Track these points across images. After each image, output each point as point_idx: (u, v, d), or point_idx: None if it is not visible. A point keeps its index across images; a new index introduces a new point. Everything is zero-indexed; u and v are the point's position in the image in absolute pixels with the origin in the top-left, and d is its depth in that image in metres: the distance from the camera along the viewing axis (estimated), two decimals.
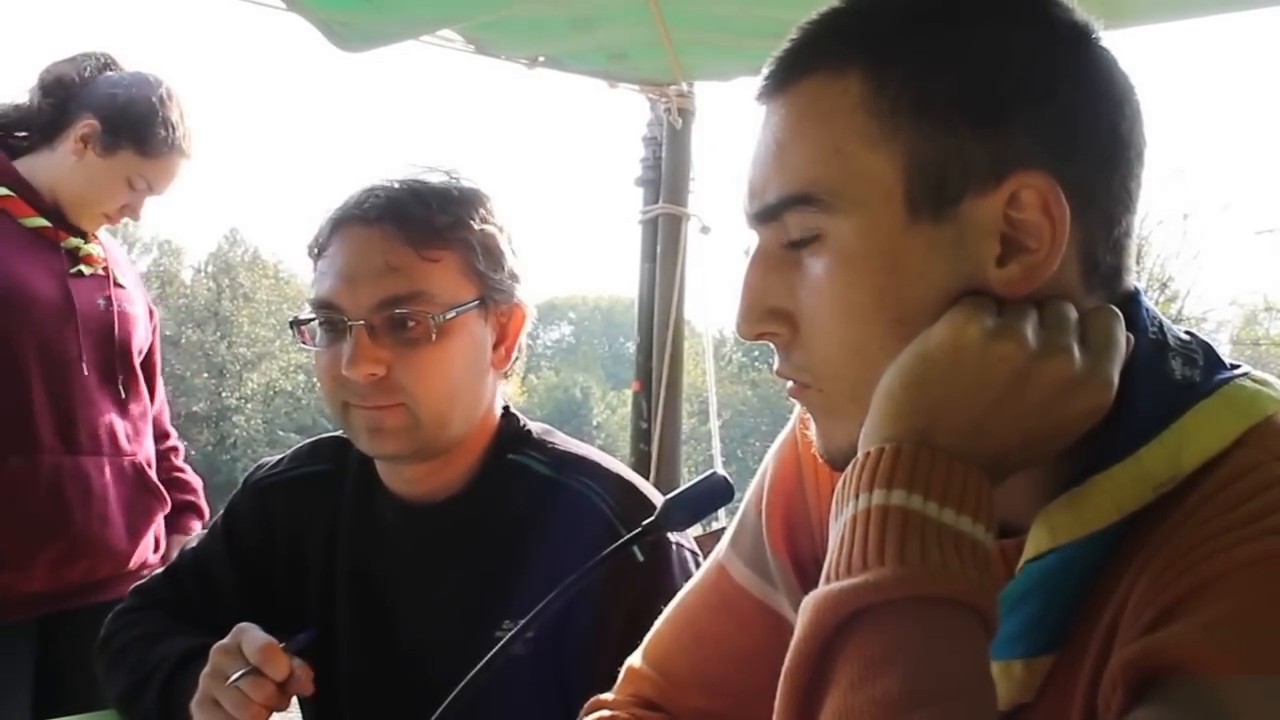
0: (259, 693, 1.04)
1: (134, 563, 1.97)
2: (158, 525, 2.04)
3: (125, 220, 2.00)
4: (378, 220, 1.12)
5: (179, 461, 2.18)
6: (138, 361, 1.99)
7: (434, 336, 1.10)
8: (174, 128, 1.89)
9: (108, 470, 1.91)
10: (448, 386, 1.13)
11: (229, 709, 1.05)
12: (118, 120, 1.85)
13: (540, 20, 2.35)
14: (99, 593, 1.91)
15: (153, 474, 2.02)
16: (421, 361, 1.11)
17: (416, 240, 1.11)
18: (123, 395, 1.95)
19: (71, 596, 1.89)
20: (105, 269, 1.95)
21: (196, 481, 2.20)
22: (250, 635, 1.07)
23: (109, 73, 1.91)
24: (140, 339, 2.00)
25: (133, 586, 1.39)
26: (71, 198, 1.88)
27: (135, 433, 1.99)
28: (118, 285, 1.97)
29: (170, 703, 1.16)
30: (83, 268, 1.91)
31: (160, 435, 2.14)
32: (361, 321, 1.10)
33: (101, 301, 1.92)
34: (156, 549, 2.05)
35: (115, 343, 1.93)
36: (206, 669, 1.08)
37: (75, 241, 1.90)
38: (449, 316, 1.11)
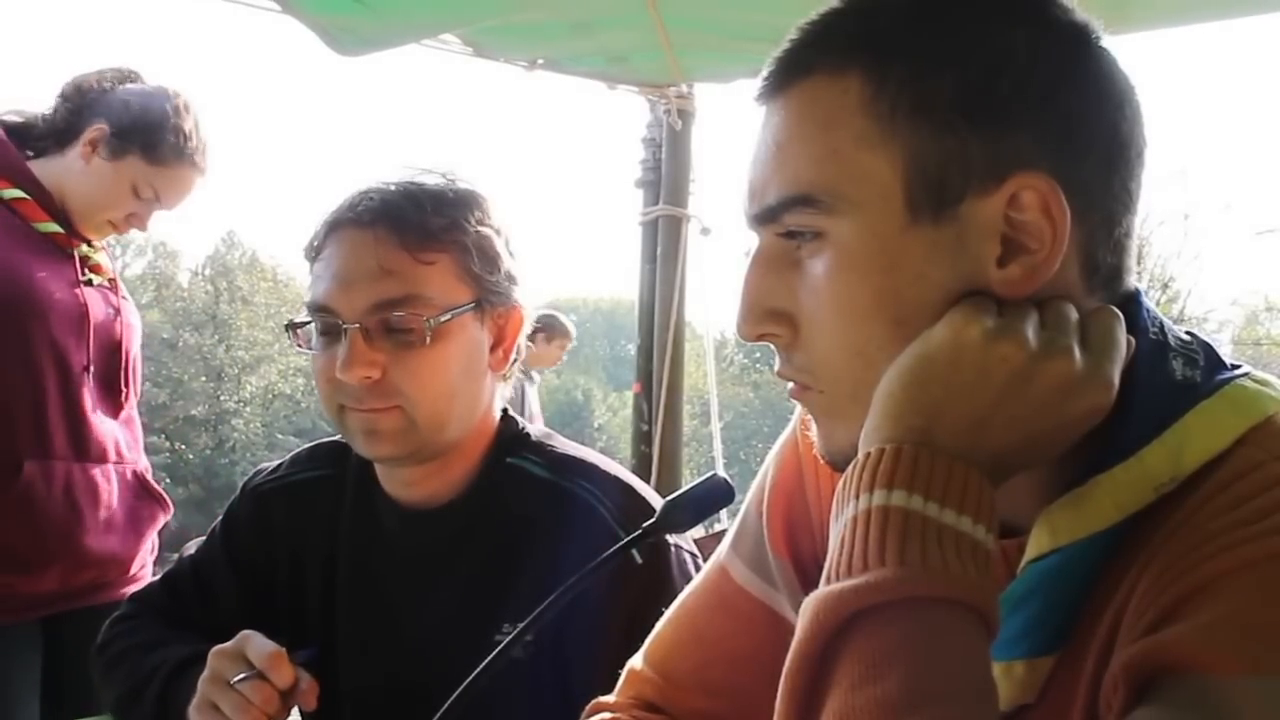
0: (259, 696, 1.04)
1: (135, 566, 1.99)
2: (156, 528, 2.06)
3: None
4: (371, 223, 1.12)
5: None
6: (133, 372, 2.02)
7: (428, 339, 1.10)
8: (184, 137, 1.88)
9: (114, 478, 1.92)
10: (444, 389, 1.13)
11: (228, 712, 1.04)
12: (127, 126, 1.85)
13: (539, 24, 2.35)
14: (102, 593, 1.92)
15: (151, 479, 2.03)
16: (417, 364, 1.11)
17: (411, 243, 1.11)
18: (123, 404, 1.96)
19: (76, 598, 1.90)
20: (111, 279, 1.95)
21: None
22: (256, 641, 1.07)
23: (129, 84, 1.92)
24: (136, 351, 2.02)
25: (130, 594, 1.39)
26: (78, 203, 1.88)
27: (134, 441, 2.00)
28: (122, 294, 1.98)
29: (168, 708, 1.15)
30: (92, 276, 1.91)
31: None
32: (356, 325, 1.10)
33: (110, 311, 1.93)
34: (153, 550, 2.06)
35: (121, 353, 1.94)
36: (205, 673, 1.07)
37: (85, 250, 1.90)
38: (443, 319, 1.11)
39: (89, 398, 1.88)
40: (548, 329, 5.72)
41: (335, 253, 1.13)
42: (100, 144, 1.85)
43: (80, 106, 1.88)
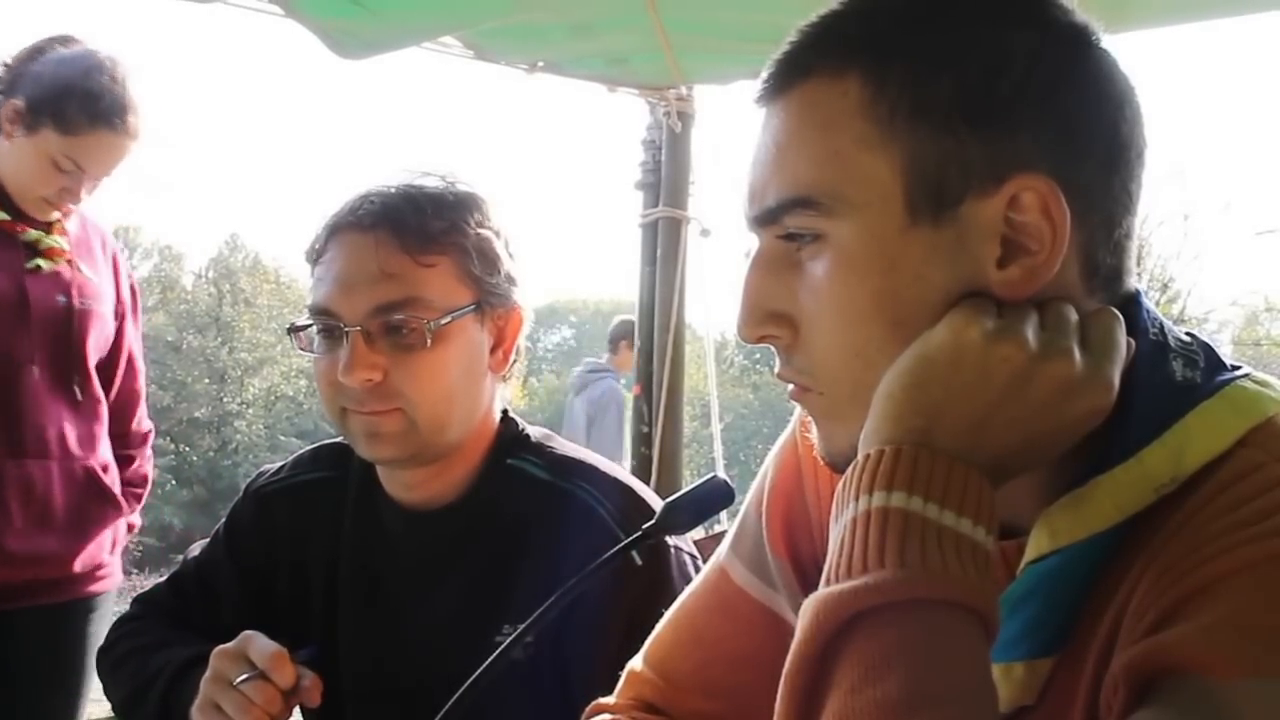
0: (262, 696, 1.04)
1: (81, 566, 1.90)
2: (115, 529, 1.97)
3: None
4: (372, 227, 1.12)
5: (126, 472, 2.05)
6: (92, 360, 1.89)
7: (429, 342, 1.11)
8: (95, 100, 1.75)
9: (55, 474, 1.84)
10: (444, 391, 1.13)
11: (230, 713, 1.04)
12: (38, 97, 1.76)
13: (540, 26, 2.35)
14: (46, 594, 1.85)
15: (108, 478, 1.94)
16: (417, 367, 1.11)
17: (411, 246, 1.11)
18: (78, 397, 1.86)
19: (18, 597, 1.82)
20: (70, 261, 1.85)
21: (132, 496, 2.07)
22: (258, 642, 1.07)
23: (53, 52, 1.81)
24: (100, 337, 1.90)
25: (136, 595, 1.39)
26: (10, 184, 1.80)
27: (89, 436, 1.90)
28: (83, 280, 1.86)
29: (171, 709, 1.16)
30: (41, 262, 1.82)
31: (121, 437, 2.02)
32: (357, 328, 1.10)
33: (61, 299, 1.83)
34: (112, 551, 1.98)
35: (72, 343, 1.84)
36: (207, 673, 1.07)
37: (35, 234, 1.82)
38: (444, 322, 1.12)
39: (32, 391, 1.79)
40: (631, 336, 5.80)
41: (336, 256, 1.13)
42: (17, 120, 1.76)
43: (8, 83, 1.79)
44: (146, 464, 2.13)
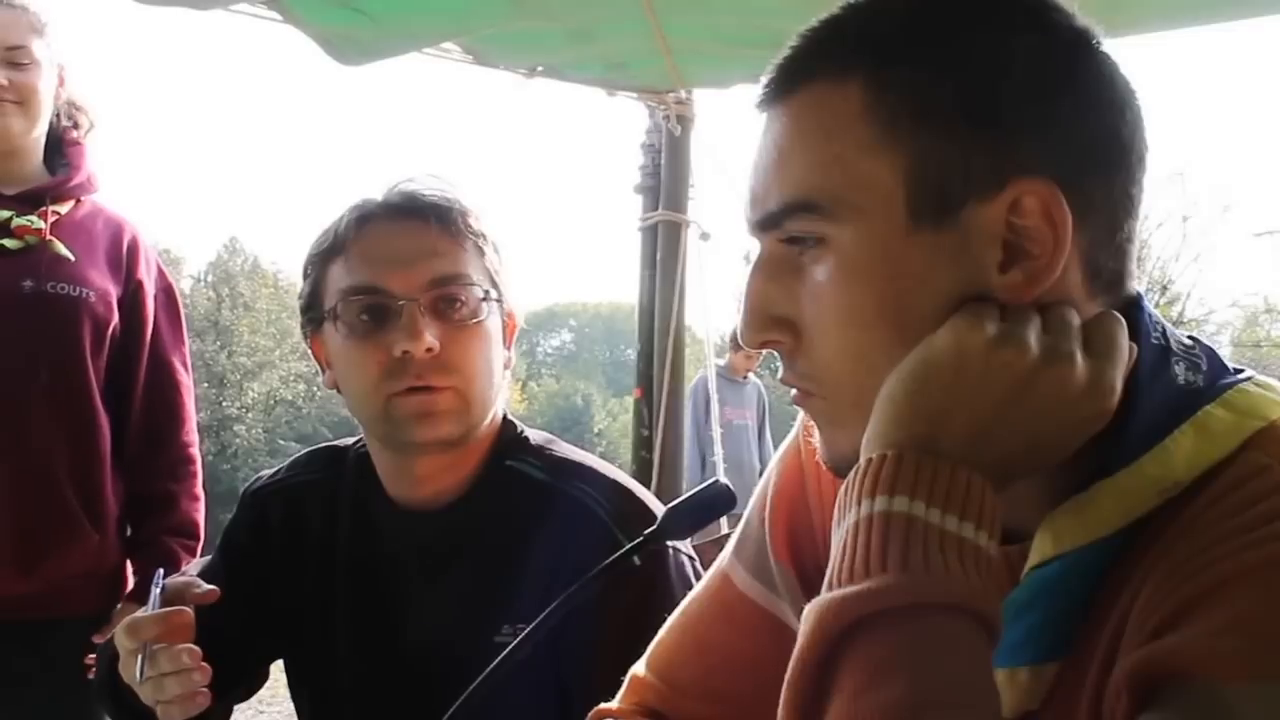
0: (172, 663, 1.04)
1: (32, 584, 1.67)
2: (89, 560, 1.73)
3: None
4: (414, 211, 1.16)
5: (168, 518, 1.79)
6: (89, 356, 1.71)
7: (478, 315, 1.15)
8: None
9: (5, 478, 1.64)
10: (489, 367, 1.17)
11: (172, 692, 1.04)
12: None
13: (539, 32, 2.36)
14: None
15: (79, 498, 1.71)
16: (468, 340, 1.14)
17: (451, 229, 1.16)
18: (52, 396, 1.68)
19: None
20: (47, 241, 1.69)
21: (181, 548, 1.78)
22: (127, 629, 1.06)
23: None
24: (94, 328, 1.72)
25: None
26: None
27: (67, 440, 1.69)
28: (60, 261, 1.69)
29: (119, 687, 1.15)
30: (7, 242, 1.67)
31: (148, 459, 1.82)
32: (413, 300, 1.12)
33: (27, 283, 1.67)
34: (83, 576, 1.72)
35: (41, 330, 1.67)
36: (126, 680, 1.08)
37: (5, 214, 1.69)
38: (494, 297, 1.17)
39: None
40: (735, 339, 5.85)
41: (377, 241, 1.16)
42: None
43: None
44: (193, 506, 1.83)
